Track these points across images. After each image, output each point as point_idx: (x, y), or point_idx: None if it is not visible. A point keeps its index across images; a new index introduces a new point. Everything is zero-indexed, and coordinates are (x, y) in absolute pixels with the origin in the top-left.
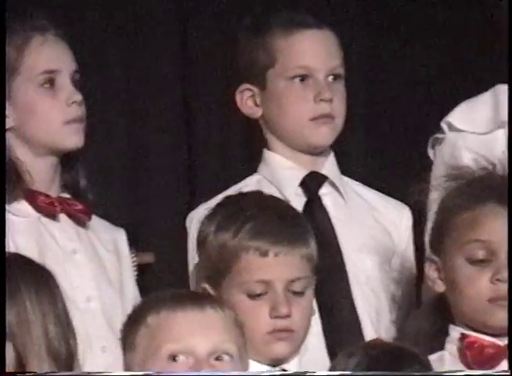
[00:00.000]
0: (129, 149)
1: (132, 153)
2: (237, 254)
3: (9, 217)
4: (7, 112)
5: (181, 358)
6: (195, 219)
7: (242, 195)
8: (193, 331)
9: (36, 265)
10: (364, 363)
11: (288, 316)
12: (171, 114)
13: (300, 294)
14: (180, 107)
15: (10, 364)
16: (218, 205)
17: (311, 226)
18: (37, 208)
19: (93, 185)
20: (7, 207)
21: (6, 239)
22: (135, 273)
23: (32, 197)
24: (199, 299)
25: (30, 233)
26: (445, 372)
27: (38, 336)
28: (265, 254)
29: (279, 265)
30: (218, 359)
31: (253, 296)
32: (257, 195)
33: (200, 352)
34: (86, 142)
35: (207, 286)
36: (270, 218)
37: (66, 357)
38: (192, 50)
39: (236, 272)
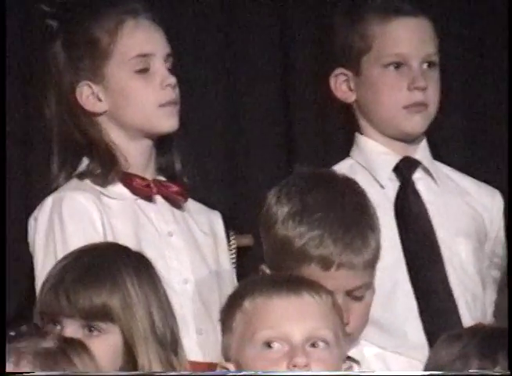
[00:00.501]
0: (226, 132)
1: (229, 136)
2: (300, 260)
3: (104, 200)
4: (101, 96)
5: (276, 345)
6: None
7: (310, 186)
8: (289, 318)
9: (134, 253)
10: (472, 345)
11: (347, 323)
12: (268, 97)
13: (359, 298)
14: (277, 90)
15: (119, 350)
16: (288, 193)
17: (405, 211)
18: (134, 191)
19: (189, 168)
20: (103, 190)
21: (102, 222)
22: (234, 256)
23: (128, 180)
24: (295, 284)
25: (126, 215)
26: (445, 372)
27: (142, 318)
28: (327, 267)
29: (340, 278)
30: (313, 345)
31: None
32: (325, 190)
33: (295, 339)
34: (181, 125)
35: (264, 267)
36: (336, 221)
37: (171, 342)
38: (290, 33)
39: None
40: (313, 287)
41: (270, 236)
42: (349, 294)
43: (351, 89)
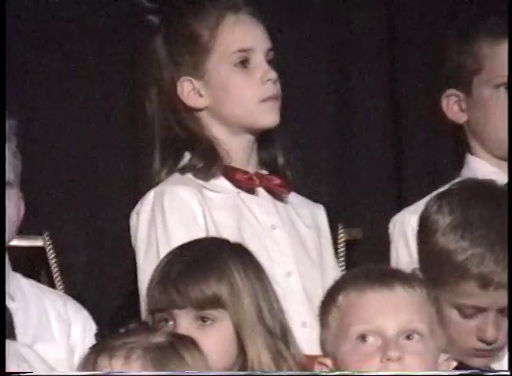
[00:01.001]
0: (333, 124)
1: (336, 129)
2: (459, 275)
3: (206, 194)
4: (202, 91)
5: (370, 339)
6: (398, 223)
7: (473, 198)
8: (382, 312)
9: (236, 244)
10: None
11: (496, 339)
12: (378, 109)
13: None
14: (387, 105)
15: (231, 339)
16: (448, 203)
17: None
18: (236, 184)
19: (292, 162)
20: (205, 184)
21: (204, 215)
22: (342, 249)
23: (230, 173)
24: (388, 278)
25: (228, 208)
26: (446, 372)
27: (250, 306)
28: (486, 286)
29: (497, 296)
30: (408, 338)
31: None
32: (488, 203)
33: (388, 333)
34: (287, 120)
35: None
36: (497, 240)
37: (281, 334)
38: (401, 51)
39: (450, 292)
40: (406, 279)
41: (429, 244)
42: (501, 311)
43: (462, 110)
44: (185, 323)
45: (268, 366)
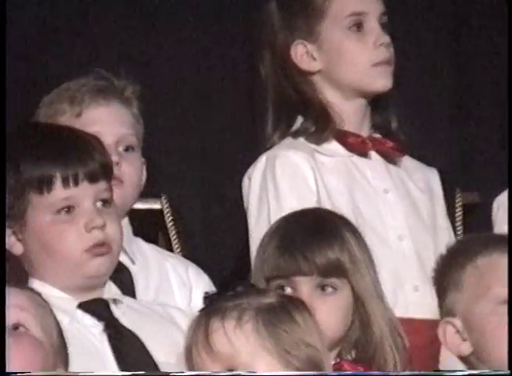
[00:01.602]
0: (448, 89)
1: (451, 93)
2: None
3: (318, 158)
4: (315, 55)
5: None
6: (502, 206)
7: None
8: None
9: (343, 216)
10: None
11: None
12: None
13: None
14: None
15: (350, 307)
16: None
17: None
18: (349, 147)
19: (407, 125)
20: (317, 148)
21: (316, 179)
22: (460, 213)
23: (343, 137)
24: None
25: (340, 172)
26: (446, 372)
27: (366, 274)
28: None
29: None
30: None
31: None
32: None
33: None
34: (400, 83)
35: None
36: None
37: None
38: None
39: None
40: None
41: None
42: None
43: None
44: (307, 290)
45: (386, 336)
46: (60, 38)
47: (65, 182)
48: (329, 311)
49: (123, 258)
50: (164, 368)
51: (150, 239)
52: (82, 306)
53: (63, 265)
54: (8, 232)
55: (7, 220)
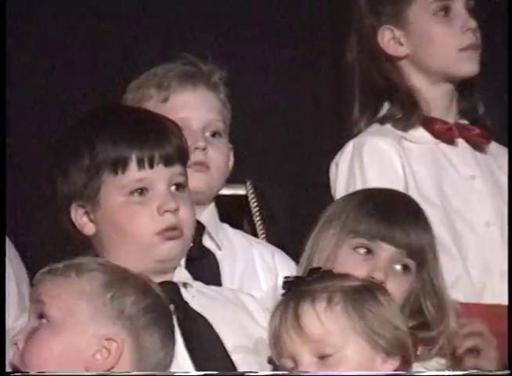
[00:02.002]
0: None
1: None
2: None
3: (405, 144)
4: (402, 40)
5: None
6: None
7: None
8: None
9: None
10: None
11: None
12: None
13: None
14: None
15: (412, 290)
16: None
17: None
18: (435, 134)
19: (493, 111)
20: (404, 134)
21: (403, 166)
22: None
23: (429, 124)
24: None
25: (427, 159)
26: (446, 372)
27: (439, 261)
28: None
29: None
30: None
31: None
32: None
33: None
34: (486, 68)
35: None
36: None
37: None
38: None
39: None
40: None
41: None
42: None
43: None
44: (386, 257)
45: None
46: (151, 23)
47: (140, 164)
48: (398, 291)
49: (209, 244)
50: (234, 352)
51: (235, 224)
52: None
53: (134, 247)
54: (79, 211)
55: (79, 199)
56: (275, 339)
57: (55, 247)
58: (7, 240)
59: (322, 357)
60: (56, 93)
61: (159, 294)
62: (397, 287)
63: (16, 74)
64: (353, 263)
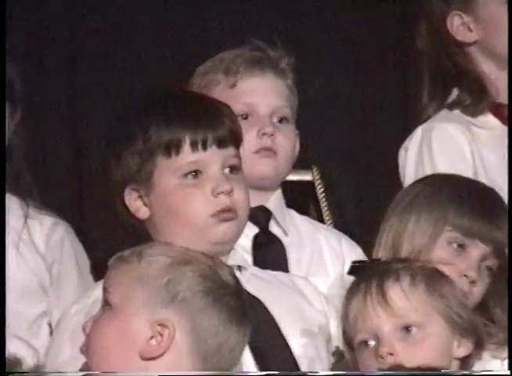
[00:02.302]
0: None
1: None
2: None
3: (474, 130)
4: (471, 26)
5: None
6: None
7: None
8: None
9: None
10: None
11: None
12: None
13: None
14: None
15: None
16: None
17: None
18: (504, 120)
19: None
20: (473, 120)
21: (472, 152)
22: None
23: (498, 110)
24: None
25: (496, 146)
26: (446, 372)
27: None
28: None
29: None
30: None
31: None
32: None
33: None
34: None
35: None
36: None
37: None
38: None
39: None
40: None
41: None
42: None
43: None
44: (477, 256)
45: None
46: (219, 8)
47: (193, 146)
48: (479, 288)
49: (276, 230)
50: (289, 335)
51: (301, 211)
52: None
53: (189, 229)
54: (133, 195)
55: (133, 183)
56: (356, 317)
57: (117, 234)
58: (68, 227)
59: (406, 332)
60: (124, 78)
61: (222, 278)
62: (480, 286)
63: (83, 60)
64: (447, 257)
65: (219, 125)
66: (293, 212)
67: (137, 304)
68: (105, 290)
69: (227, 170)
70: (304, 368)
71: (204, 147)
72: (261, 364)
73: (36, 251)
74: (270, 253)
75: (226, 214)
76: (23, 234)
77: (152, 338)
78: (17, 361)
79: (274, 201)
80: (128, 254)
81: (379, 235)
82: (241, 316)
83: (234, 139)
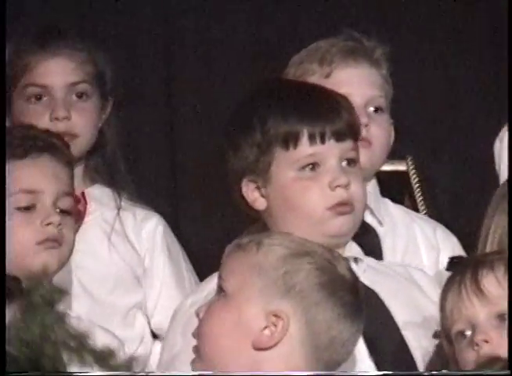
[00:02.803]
0: None
1: None
2: None
3: None
4: None
5: None
6: None
7: None
8: None
9: None
10: None
11: None
12: None
13: None
14: None
15: None
16: None
17: None
18: None
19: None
20: None
21: None
22: None
23: None
24: None
25: None
26: (445, 372)
27: None
28: None
29: None
30: None
31: None
32: None
33: None
34: None
35: None
36: None
37: None
38: None
39: None
40: None
41: None
42: None
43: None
44: None
45: None
46: None
47: (311, 139)
48: None
49: (370, 220)
50: (405, 327)
51: (396, 201)
52: None
53: (305, 222)
54: (251, 186)
55: (250, 175)
56: (452, 308)
57: (211, 226)
58: (160, 219)
59: (501, 320)
60: (220, 69)
61: (339, 272)
62: None
63: (179, 49)
64: None
65: (337, 118)
66: (387, 201)
67: (252, 293)
68: (220, 277)
69: (344, 163)
70: (418, 360)
71: (322, 140)
72: (376, 356)
73: (128, 242)
74: (365, 243)
75: (343, 207)
76: (116, 225)
77: (265, 328)
78: (110, 352)
79: (369, 191)
80: (247, 243)
81: (483, 232)
82: (355, 310)
83: (352, 132)
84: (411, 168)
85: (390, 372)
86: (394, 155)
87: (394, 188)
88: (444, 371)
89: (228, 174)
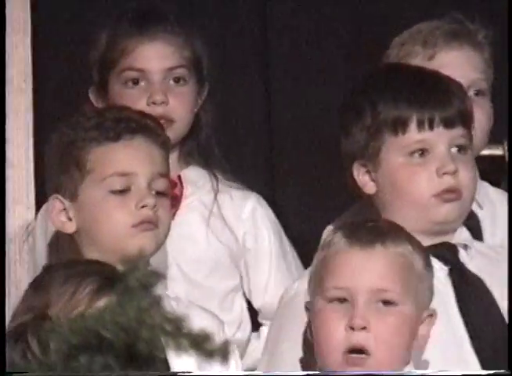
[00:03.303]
0: None
1: None
2: None
3: None
4: None
5: None
6: None
7: None
8: None
9: None
10: None
11: None
12: None
13: None
14: None
15: None
16: None
17: None
18: None
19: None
20: None
21: None
22: None
23: None
24: None
25: None
26: (444, 372)
27: None
28: None
29: None
30: None
31: None
32: None
33: None
34: None
35: None
36: None
37: None
38: None
39: None
40: None
41: None
42: None
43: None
44: None
45: None
46: None
47: (420, 125)
48: None
49: None
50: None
51: (493, 185)
52: (429, 249)
53: (412, 208)
54: (361, 170)
55: (361, 159)
56: None
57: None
58: (259, 199)
59: None
60: (318, 53)
61: None
62: None
63: (279, 36)
64: None
65: (447, 105)
66: (487, 185)
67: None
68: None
69: (454, 150)
70: None
71: (431, 127)
72: (477, 344)
73: (226, 226)
74: (466, 227)
75: (449, 194)
76: (214, 208)
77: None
78: (206, 336)
79: None
80: (368, 238)
81: None
82: None
83: (463, 119)
84: (507, 152)
85: (388, 372)
86: (490, 140)
87: (490, 172)
88: (444, 371)
89: (341, 157)
